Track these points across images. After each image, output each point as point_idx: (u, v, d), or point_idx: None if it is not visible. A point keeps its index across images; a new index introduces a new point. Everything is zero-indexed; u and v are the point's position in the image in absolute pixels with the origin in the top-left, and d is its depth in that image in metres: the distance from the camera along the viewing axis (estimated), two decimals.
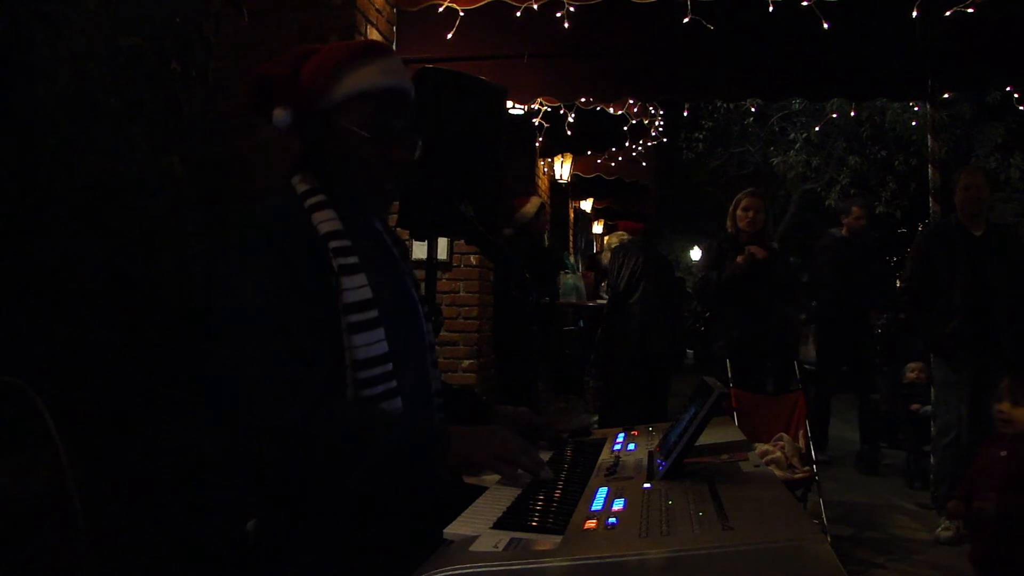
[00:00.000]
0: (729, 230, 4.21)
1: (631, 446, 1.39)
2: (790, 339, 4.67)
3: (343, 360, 1.23)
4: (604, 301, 6.21)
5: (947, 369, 3.71)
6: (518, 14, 3.76)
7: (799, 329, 6.21)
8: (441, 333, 2.66)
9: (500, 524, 0.97)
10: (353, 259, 1.26)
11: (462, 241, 4.19)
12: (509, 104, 4.29)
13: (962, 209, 3.73)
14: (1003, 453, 2.62)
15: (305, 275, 1.21)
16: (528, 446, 1.24)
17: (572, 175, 7.91)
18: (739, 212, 4.16)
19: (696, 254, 15.44)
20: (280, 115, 1.31)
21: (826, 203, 12.71)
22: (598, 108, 5.48)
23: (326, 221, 1.27)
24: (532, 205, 5.18)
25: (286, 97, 1.30)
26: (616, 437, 1.48)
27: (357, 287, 1.25)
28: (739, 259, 4.04)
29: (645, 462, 1.24)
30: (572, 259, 8.53)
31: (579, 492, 1.09)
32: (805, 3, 3.53)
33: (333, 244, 1.25)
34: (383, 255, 1.43)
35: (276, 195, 1.33)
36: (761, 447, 3.27)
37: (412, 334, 1.41)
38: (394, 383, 1.26)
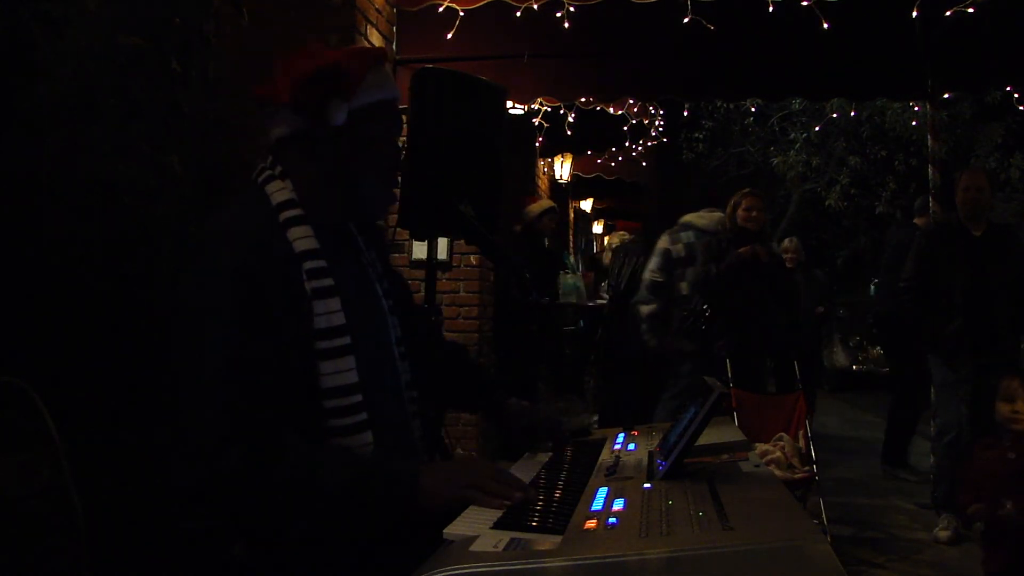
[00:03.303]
0: (727, 227, 4.17)
1: (631, 446, 1.39)
2: (792, 339, 4.64)
3: (312, 389, 1.17)
4: (604, 301, 6.21)
5: (947, 369, 3.70)
6: (518, 14, 3.76)
7: (816, 325, 6.12)
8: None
9: (500, 524, 0.97)
10: (328, 281, 1.20)
11: (462, 241, 4.19)
12: (509, 104, 4.28)
13: (962, 209, 3.72)
14: (1012, 455, 2.56)
15: (272, 298, 1.15)
16: (501, 471, 1.14)
17: (572, 175, 7.90)
18: (740, 212, 4.15)
19: None
20: (340, 108, 1.22)
21: (826, 203, 12.69)
22: (598, 108, 5.48)
23: (302, 239, 1.21)
24: (538, 206, 5.23)
25: (345, 91, 1.23)
26: (616, 437, 1.48)
27: (329, 312, 1.19)
28: (742, 250, 4.01)
29: (645, 462, 1.24)
30: (572, 259, 8.52)
31: (579, 492, 1.09)
32: (805, 3, 3.53)
33: (308, 265, 1.19)
34: (361, 278, 1.36)
35: (247, 206, 1.26)
36: (761, 447, 3.26)
37: (386, 367, 1.33)
38: (364, 415, 1.20)
